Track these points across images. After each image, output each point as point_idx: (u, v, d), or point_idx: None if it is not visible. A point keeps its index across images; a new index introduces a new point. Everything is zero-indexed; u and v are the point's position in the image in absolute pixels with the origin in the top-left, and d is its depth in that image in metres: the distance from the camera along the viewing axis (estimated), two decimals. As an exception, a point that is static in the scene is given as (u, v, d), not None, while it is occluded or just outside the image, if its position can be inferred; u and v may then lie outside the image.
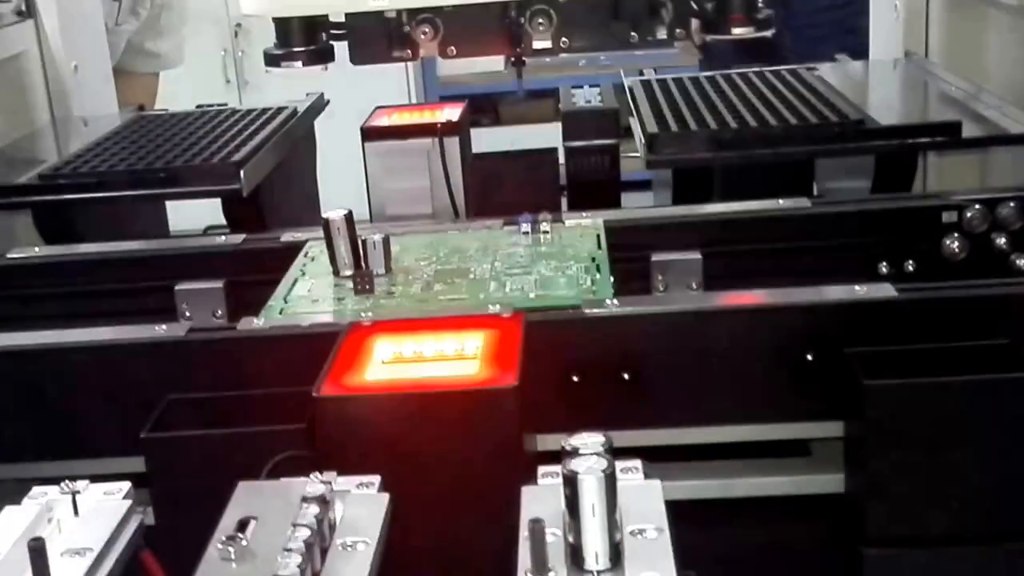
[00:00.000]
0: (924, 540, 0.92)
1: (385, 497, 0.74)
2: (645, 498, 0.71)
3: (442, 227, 1.24)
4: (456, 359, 0.88)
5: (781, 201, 1.23)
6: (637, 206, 1.54)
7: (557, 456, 0.86)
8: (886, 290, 0.98)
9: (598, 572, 0.65)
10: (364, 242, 1.08)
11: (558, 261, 1.10)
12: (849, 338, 0.95)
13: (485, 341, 0.90)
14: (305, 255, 1.16)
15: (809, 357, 0.97)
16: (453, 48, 1.23)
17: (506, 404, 0.82)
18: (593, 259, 1.10)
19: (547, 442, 0.87)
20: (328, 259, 1.10)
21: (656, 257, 1.19)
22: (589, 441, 0.69)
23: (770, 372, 0.98)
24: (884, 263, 1.20)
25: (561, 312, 0.99)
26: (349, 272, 1.08)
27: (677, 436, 1.00)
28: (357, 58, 1.25)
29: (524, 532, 0.67)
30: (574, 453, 0.68)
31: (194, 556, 0.76)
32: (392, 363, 0.88)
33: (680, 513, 0.70)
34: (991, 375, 0.89)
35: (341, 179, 1.96)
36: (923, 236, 1.21)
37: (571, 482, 0.65)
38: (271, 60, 1.23)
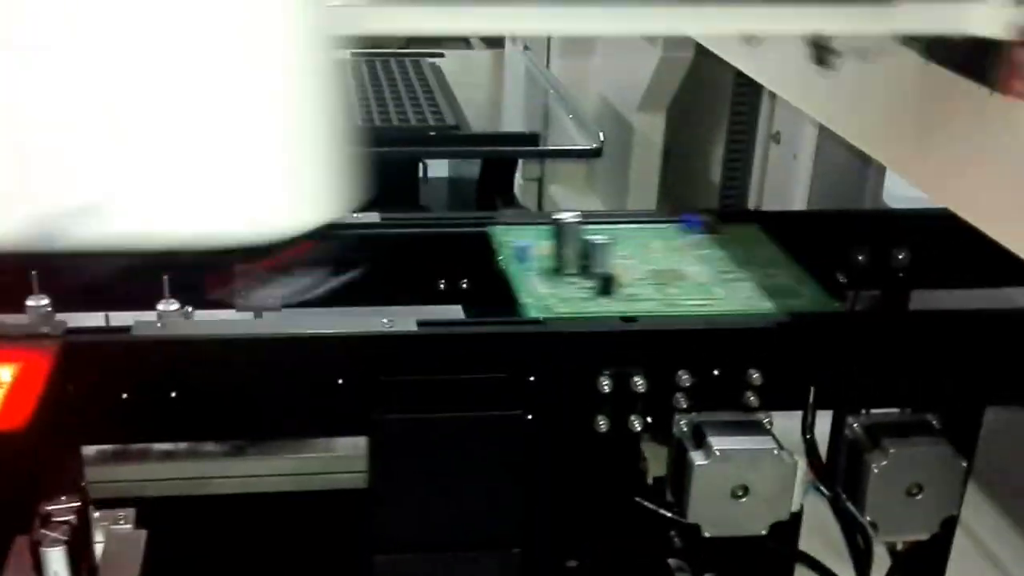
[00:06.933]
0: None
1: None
2: None
3: (604, 217, 1.23)
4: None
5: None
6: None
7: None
8: None
9: None
10: (588, 243, 1.07)
11: (757, 266, 1.10)
12: None
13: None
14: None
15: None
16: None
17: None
18: (780, 265, 1.11)
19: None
20: (552, 257, 1.08)
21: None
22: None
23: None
24: None
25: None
26: (573, 271, 1.08)
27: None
28: None
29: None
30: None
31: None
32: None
33: None
34: None
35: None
36: None
37: None
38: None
